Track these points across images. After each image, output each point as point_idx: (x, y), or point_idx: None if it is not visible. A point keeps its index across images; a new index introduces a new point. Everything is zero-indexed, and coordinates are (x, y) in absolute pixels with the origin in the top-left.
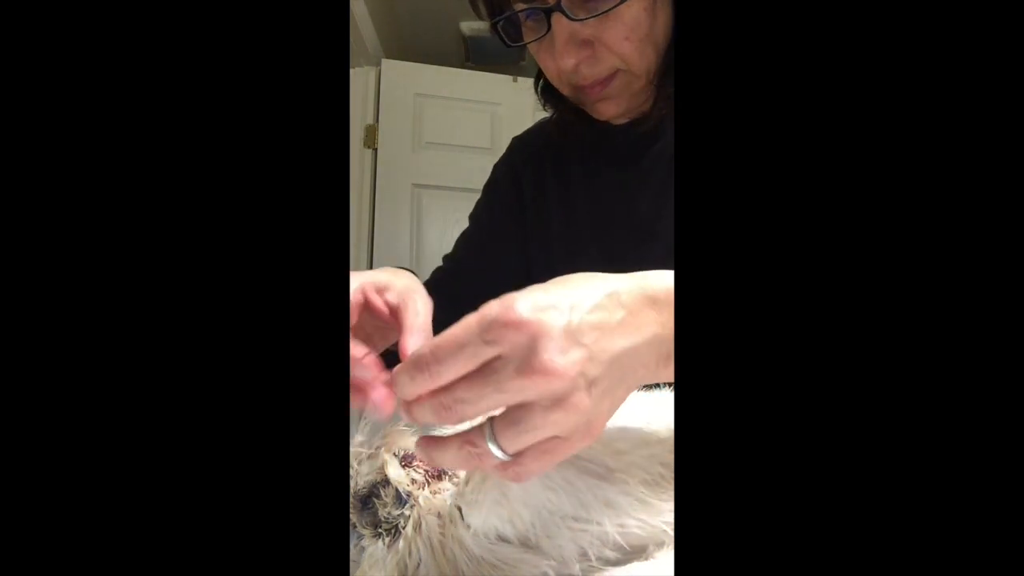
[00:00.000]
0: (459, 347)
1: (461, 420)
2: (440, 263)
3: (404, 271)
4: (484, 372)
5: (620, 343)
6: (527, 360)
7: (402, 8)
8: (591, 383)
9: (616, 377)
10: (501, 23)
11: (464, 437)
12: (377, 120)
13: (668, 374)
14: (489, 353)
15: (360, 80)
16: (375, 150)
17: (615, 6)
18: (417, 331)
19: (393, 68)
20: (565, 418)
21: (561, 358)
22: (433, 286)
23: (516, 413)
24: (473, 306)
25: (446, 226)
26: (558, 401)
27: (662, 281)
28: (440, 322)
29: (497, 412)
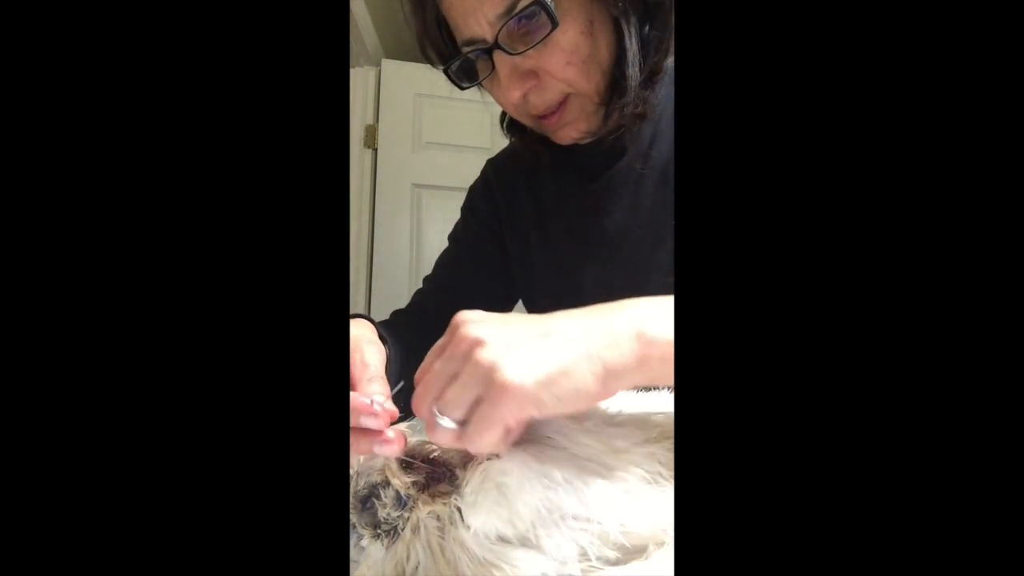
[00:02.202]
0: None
1: None
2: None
3: (356, 320)
4: None
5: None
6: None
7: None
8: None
9: None
10: (454, 68)
11: None
12: (377, 120)
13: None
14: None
15: (360, 80)
16: (375, 150)
17: (548, 34)
18: (367, 383)
19: (393, 68)
20: None
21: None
22: (415, 309)
23: None
24: None
25: (446, 226)
26: None
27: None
28: (423, 345)
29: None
